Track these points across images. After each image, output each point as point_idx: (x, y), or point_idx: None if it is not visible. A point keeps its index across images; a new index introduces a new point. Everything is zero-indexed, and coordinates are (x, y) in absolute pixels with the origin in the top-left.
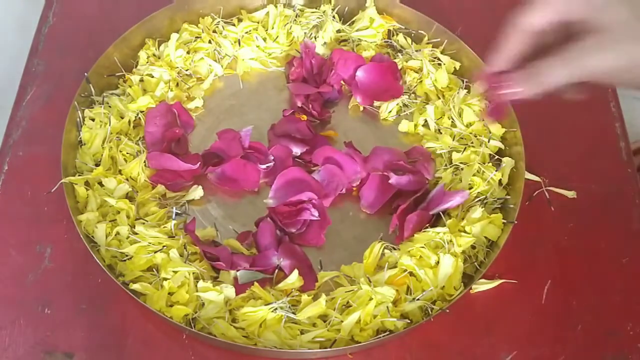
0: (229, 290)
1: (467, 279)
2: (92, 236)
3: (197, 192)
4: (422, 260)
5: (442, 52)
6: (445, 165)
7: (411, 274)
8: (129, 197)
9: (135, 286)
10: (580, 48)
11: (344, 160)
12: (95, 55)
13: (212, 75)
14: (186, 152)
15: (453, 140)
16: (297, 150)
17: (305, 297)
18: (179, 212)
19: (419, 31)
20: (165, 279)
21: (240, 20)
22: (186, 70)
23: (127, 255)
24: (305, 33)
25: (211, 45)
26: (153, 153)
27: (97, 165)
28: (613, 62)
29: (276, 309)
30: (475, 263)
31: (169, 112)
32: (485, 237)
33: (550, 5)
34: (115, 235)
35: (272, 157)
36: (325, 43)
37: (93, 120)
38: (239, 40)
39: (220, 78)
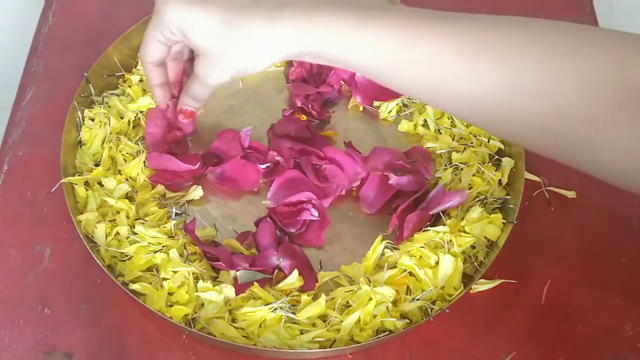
0: (229, 290)
1: (467, 279)
2: (92, 236)
3: (196, 192)
4: (421, 260)
5: None
6: (445, 165)
7: (411, 274)
8: (129, 197)
9: (135, 286)
10: (198, 73)
11: (345, 160)
12: (95, 55)
13: None
14: (186, 152)
15: (453, 140)
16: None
17: (305, 297)
18: (179, 212)
19: None
20: (165, 279)
21: None
22: None
23: (126, 256)
24: None
25: None
26: (153, 153)
27: (96, 165)
28: (227, 77)
29: (276, 309)
30: (475, 263)
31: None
32: (485, 237)
33: (154, 37)
34: (115, 235)
35: (277, 157)
36: None
37: (93, 120)
38: None
39: None
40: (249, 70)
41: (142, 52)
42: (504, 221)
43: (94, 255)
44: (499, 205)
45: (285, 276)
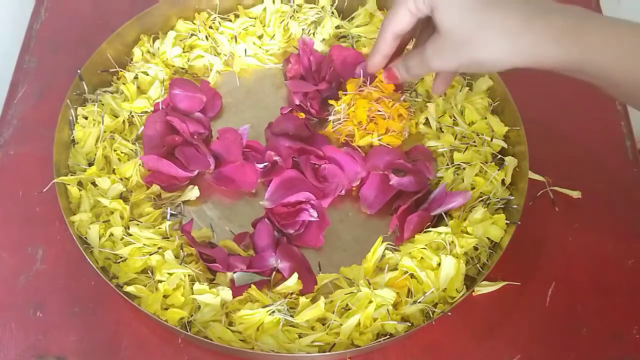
0: (226, 293)
1: (470, 280)
2: (85, 237)
3: (193, 193)
4: (423, 261)
5: None
6: (447, 165)
7: (412, 275)
8: (123, 197)
9: (130, 288)
10: (427, 49)
11: (344, 160)
12: (88, 52)
13: (213, 71)
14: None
15: (455, 139)
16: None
17: (303, 300)
18: (174, 212)
19: None
20: (160, 281)
21: (237, 16)
22: (181, 68)
23: (121, 257)
24: (303, 29)
25: (208, 42)
26: (150, 156)
27: (90, 164)
28: (452, 65)
29: (274, 311)
30: (478, 265)
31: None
32: (488, 238)
33: (405, 5)
34: (109, 236)
35: (275, 157)
36: (323, 39)
37: (86, 118)
38: (235, 36)
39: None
40: (484, 67)
41: (387, 20)
42: (507, 222)
43: (87, 257)
44: (502, 206)
45: (283, 278)
